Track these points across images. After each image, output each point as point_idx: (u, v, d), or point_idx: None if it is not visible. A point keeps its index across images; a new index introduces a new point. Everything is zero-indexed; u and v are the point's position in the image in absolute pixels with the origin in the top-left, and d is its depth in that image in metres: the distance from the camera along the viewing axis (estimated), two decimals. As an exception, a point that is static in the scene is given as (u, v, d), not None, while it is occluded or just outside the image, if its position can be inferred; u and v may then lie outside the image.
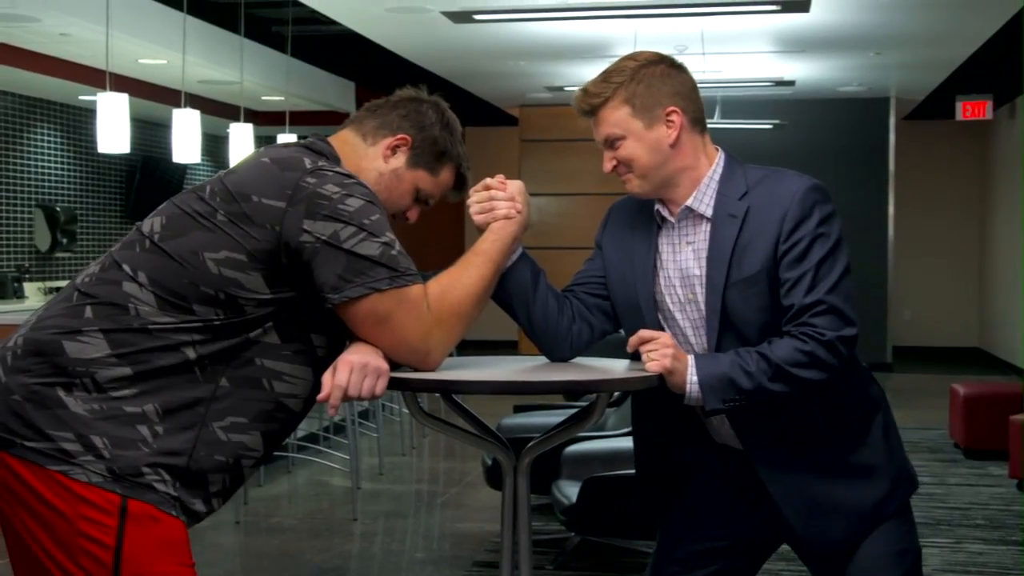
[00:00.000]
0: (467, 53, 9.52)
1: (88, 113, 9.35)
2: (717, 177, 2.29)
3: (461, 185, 2.31)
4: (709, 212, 2.27)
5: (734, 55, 9.54)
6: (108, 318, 1.95)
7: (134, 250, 2.01)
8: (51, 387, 1.91)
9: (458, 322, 2.10)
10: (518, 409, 5.81)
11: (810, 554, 2.40)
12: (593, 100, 2.26)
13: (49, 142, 9.50)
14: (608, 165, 2.30)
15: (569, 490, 4.43)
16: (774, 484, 2.30)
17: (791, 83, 9.88)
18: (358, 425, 6.69)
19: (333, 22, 8.30)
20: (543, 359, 2.40)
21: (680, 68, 2.30)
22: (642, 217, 2.38)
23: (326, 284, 1.97)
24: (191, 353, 1.95)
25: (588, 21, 7.88)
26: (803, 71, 10.39)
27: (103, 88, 6.16)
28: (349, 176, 2.04)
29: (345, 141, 2.21)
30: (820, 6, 7.54)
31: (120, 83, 7.21)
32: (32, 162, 9.31)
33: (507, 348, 12.26)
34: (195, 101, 8.79)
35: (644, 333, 2.20)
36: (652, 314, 2.33)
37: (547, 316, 2.34)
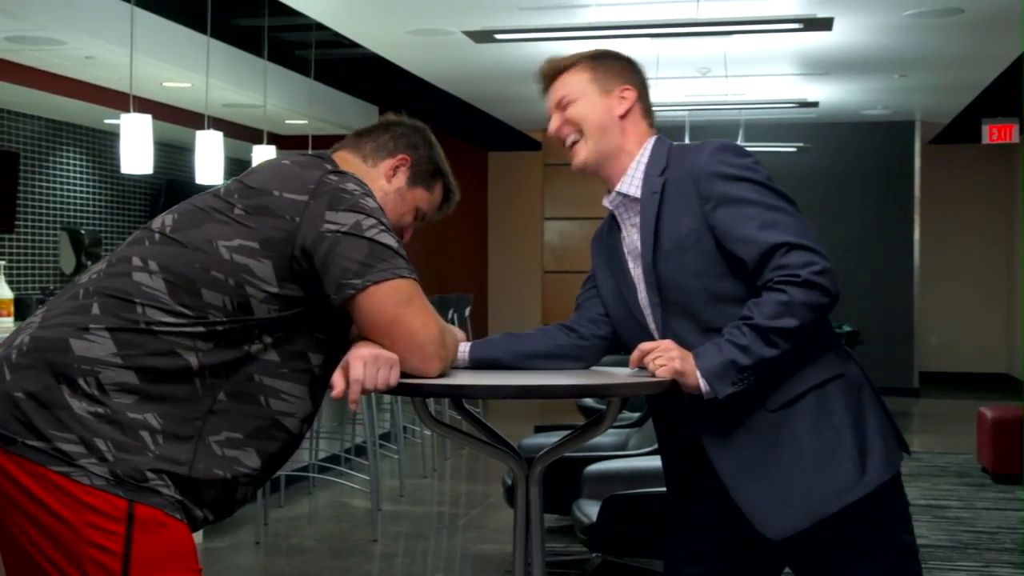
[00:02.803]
0: (490, 76, 9.54)
1: (113, 137, 9.41)
2: (644, 160, 2.34)
3: (448, 199, 2.40)
4: (638, 193, 2.32)
5: (757, 77, 9.52)
6: (115, 315, 1.93)
7: (143, 244, 2.02)
8: (55, 387, 1.89)
9: (447, 354, 2.14)
10: (539, 429, 5.78)
11: (779, 552, 2.30)
12: (558, 64, 2.37)
13: (74, 166, 9.57)
14: (555, 124, 2.36)
15: (590, 509, 4.39)
16: (723, 465, 2.23)
17: (815, 104, 9.84)
18: (379, 447, 6.66)
19: (356, 45, 8.33)
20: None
21: (639, 66, 2.42)
22: (609, 222, 2.45)
23: (349, 270, 1.98)
24: (194, 361, 1.94)
25: (610, 43, 7.87)
26: (827, 93, 10.35)
27: (128, 111, 6.19)
28: (362, 183, 2.10)
29: (346, 161, 2.25)
30: (843, 27, 7.51)
31: (144, 106, 7.25)
32: (57, 185, 9.37)
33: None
34: (219, 124, 8.83)
35: (643, 346, 2.20)
36: (644, 317, 2.34)
37: (566, 348, 2.42)
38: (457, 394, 2.11)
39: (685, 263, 2.24)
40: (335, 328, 2.08)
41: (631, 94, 2.35)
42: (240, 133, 10.03)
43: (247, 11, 7.95)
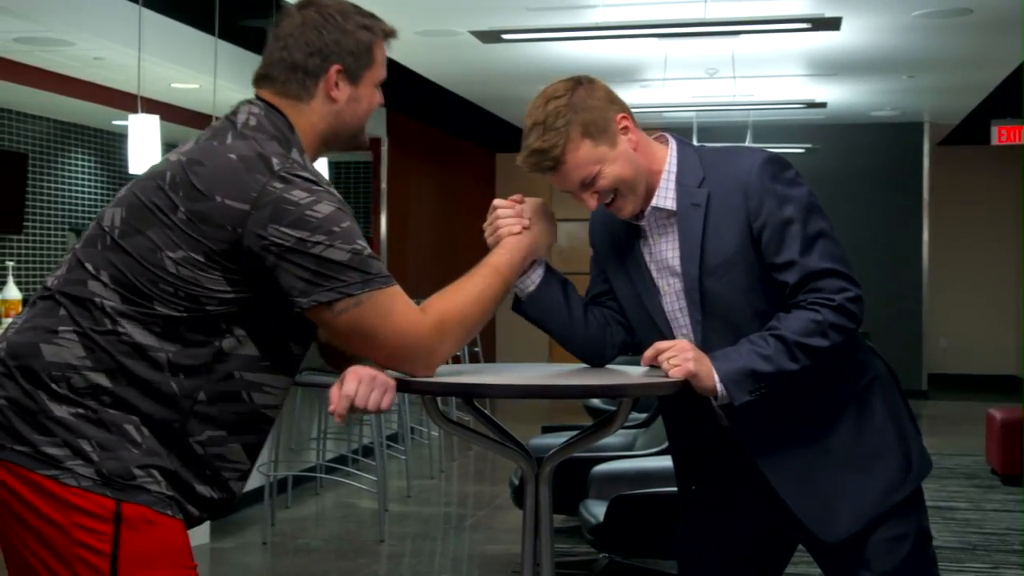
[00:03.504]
0: (497, 77, 9.54)
1: (121, 138, 9.43)
2: (673, 169, 2.26)
3: (391, 35, 2.16)
4: (674, 205, 2.24)
5: (765, 78, 9.50)
6: (80, 318, 1.89)
7: (96, 247, 1.94)
8: (33, 392, 1.86)
9: (459, 327, 2.05)
10: (546, 430, 5.77)
11: (821, 545, 2.32)
12: (553, 154, 2.17)
13: (82, 167, 9.58)
14: (593, 202, 2.23)
15: (597, 509, 4.38)
16: (776, 476, 2.26)
17: (823, 105, 9.83)
18: (386, 448, 6.66)
19: (364, 46, 8.33)
20: (569, 366, 2.38)
21: (592, 81, 2.24)
22: (620, 231, 2.36)
23: (294, 289, 1.88)
24: (163, 360, 1.89)
25: (618, 44, 7.88)
26: (835, 94, 10.34)
27: (135, 112, 6.20)
28: (318, 182, 1.93)
29: (287, 108, 2.03)
30: (851, 27, 7.49)
31: (152, 107, 7.25)
32: (65, 186, 9.39)
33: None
34: (227, 125, 8.83)
35: (659, 344, 2.18)
36: (667, 325, 2.31)
37: (586, 326, 2.36)
38: (465, 393, 2.10)
39: (733, 280, 2.21)
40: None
41: (626, 120, 2.22)
42: (248, 134, 10.02)
43: (255, 12, 7.95)
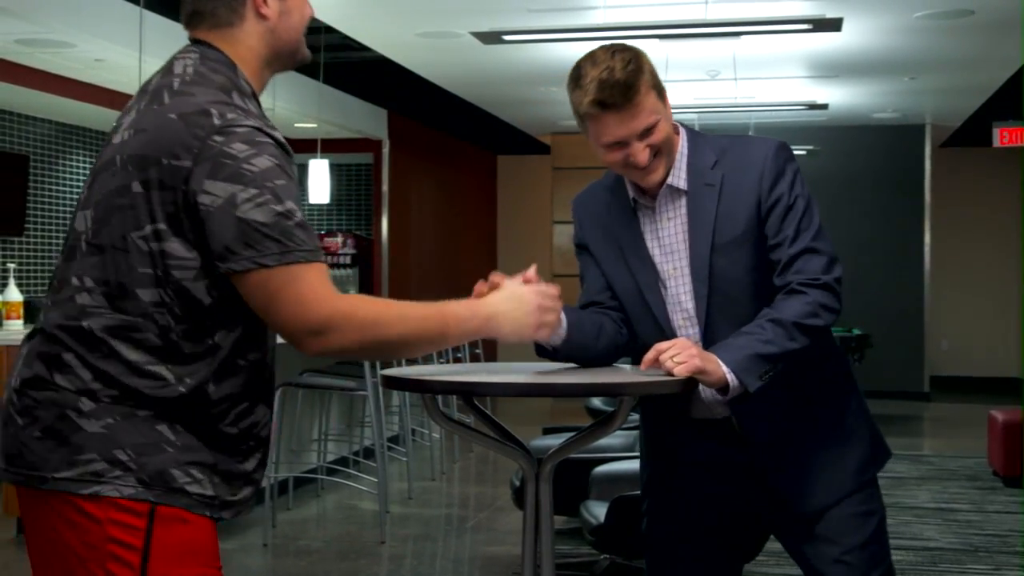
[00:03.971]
0: (499, 78, 9.54)
1: (123, 140, 9.42)
2: (686, 151, 2.34)
3: None
4: (685, 184, 2.32)
5: (767, 80, 9.50)
6: (78, 345, 1.88)
7: (76, 259, 1.92)
8: (62, 417, 1.86)
9: (367, 330, 1.89)
10: (547, 431, 5.77)
11: (788, 519, 2.42)
12: (635, 86, 2.20)
13: (84, 169, 9.58)
14: (645, 156, 2.24)
15: (597, 510, 4.38)
16: (763, 450, 2.36)
17: (824, 106, 9.83)
18: (387, 449, 6.65)
19: (365, 48, 8.34)
20: (569, 366, 2.37)
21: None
22: (613, 211, 2.39)
23: (215, 251, 1.83)
24: (161, 371, 1.87)
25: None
26: (836, 96, 10.33)
27: (136, 112, 6.19)
28: (263, 132, 1.87)
29: (222, 40, 1.99)
30: (852, 29, 7.49)
31: (153, 108, 7.25)
32: (67, 188, 9.39)
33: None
34: (228, 127, 8.83)
35: (659, 345, 2.18)
36: (666, 320, 2.34)
37: (601, 352, 2.39)
38: (464, 391, 2.09)
39: (740, 257, 2.28)
40: None
41: (664, 93, 2.31)
42: (249, 136, 10.03)
43: (256, 14, 7.95)
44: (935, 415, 11.17)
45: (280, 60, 2.04)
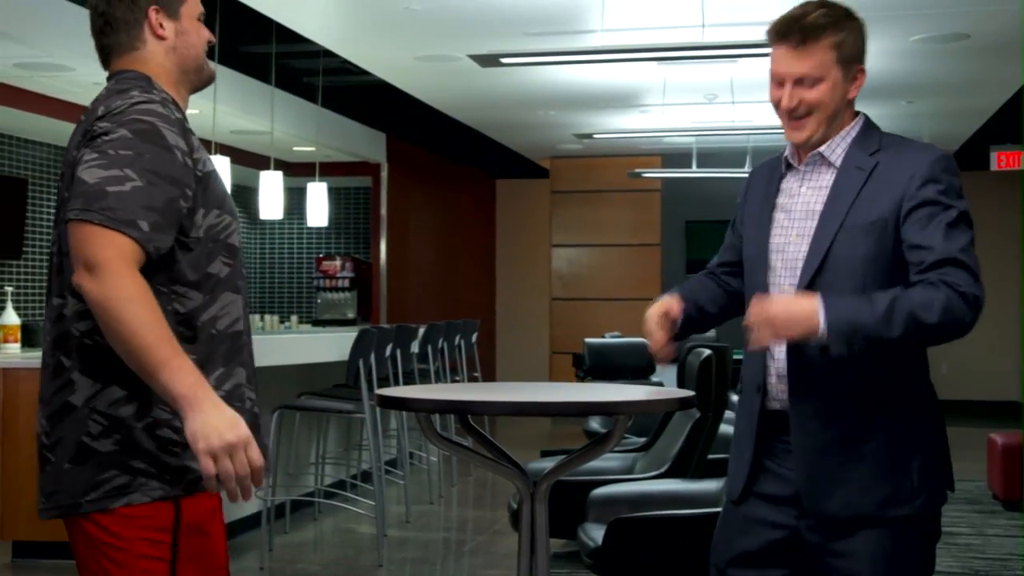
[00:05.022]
0: (497, 102, 9.57)
1: (122, 163, 9.44)
2: (853, 134, 2.35)
3: None
4: (838, 162, 2.33)
5: (764, 103, 9.51)
6: (75, 356, 2.00)
7: (62, 275, 2.05)
8: (83, 444, 1.97)
9: (115, 304, 1.86)
10: (545, 454, 5.75)
11: (808, 530, 2.32)
12: (817, 32, 2.24)
13: (83, 192, 9.59)
14: (790, 101, 2.29)
15: (595, 533, 4.35)
16: (799, 439, 2.29)
17: (822, 130, 9.84)
18: (385, 473, 6.63)
19: (364, 72, 8.37)
20: (567, 385, 2.37)
21: (861, 19, 2.34)
22: (772, 175, 2.45)
23: (67, 200, 1.97)
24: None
25: (618, 68, 7.90)
26: (834, 120, 10.35)
27: (134, 135, 6.20)
28: (137, 107, 1.98)
29: (134, 63, 2.12)
30: (850, 52, 7.51)
31: (152, 131, 7.26)
32: (66, 212, 9.40)
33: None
34: (226, 151, 8.85)
35: (750, 313, 2.20)
36: (763, 262, 2.38)
37: (721, 310, 2.56)
38: (459, 410, 2.09)
39: (861, 245, 2.26)
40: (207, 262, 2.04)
41: (863, 77, 2.32)
42: (248, 160, 10.06)
43: (255, 38, 7.99)
44: (935, 439, 11.14)
45: (187, 76, 2.18)
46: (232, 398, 2.03)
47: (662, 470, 4.72)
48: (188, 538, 2.00)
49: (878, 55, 7.76)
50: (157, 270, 1.96)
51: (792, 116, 2.30)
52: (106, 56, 2.17)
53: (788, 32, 2.26)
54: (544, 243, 13.85)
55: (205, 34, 2.19)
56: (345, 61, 8.01)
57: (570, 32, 7.00)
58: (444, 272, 12.87)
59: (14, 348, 6.01)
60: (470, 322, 8.35)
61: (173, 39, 2.14)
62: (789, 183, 2.40)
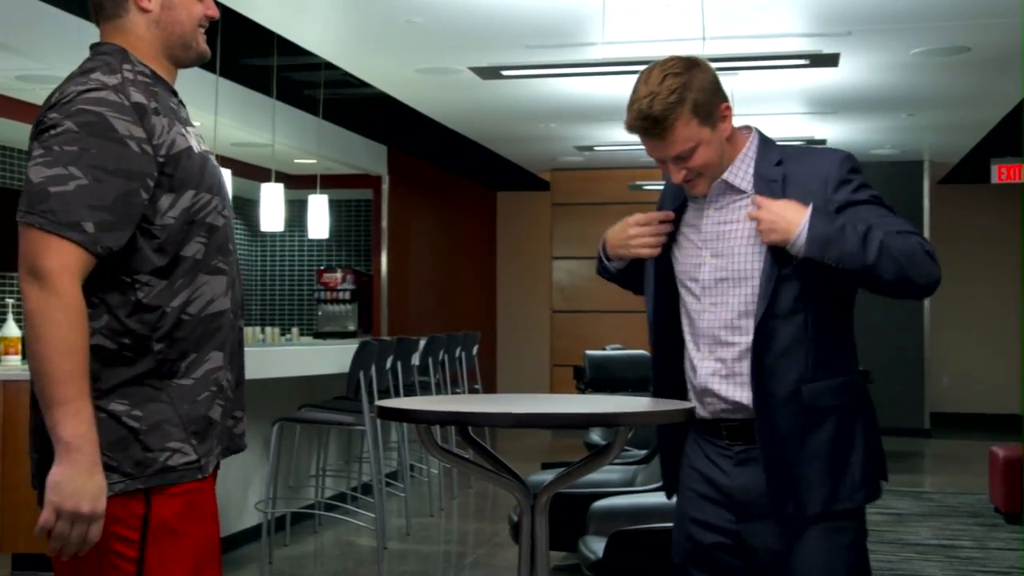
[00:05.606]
0: (498, 114, 9.58)
1: (123, 176, 9.44)
2: (752, 153, 2.39)
3: None
4: (747, 186, 2.37)
5: (765, 116, 9.53)
6: None
7: None
8: (43, 434, 1.92)
9: (55, 312, 1.83)
10: (546, 467, 5.74)
11: (750, 534, 2.38)
12: (665, 124, 2.29)
13: (84, 204, 9.60)
14: (680, 176, 2.35)
15: (596, 545, 4.35)
16: (765, 440, 2.32)
17: (822, 142, 9.87)
18: (385, 485, 6.62)
19: (365, 84, 8.38)
20: (568, 397, 2.37)
21: (705, 63, 2.37)
22: (680, 192, 2.49)
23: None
24: (111, 345, 1.93)
25: (619, 81, 7.90)
26: (835, 133, 10.37)
27: (136, 147, 6.20)
28: (85, 96, 1.95)
29: (115, 30, 2.10)
30: (850, 65, 7.52)
31: (153, 144, 7.27)
32: (67, 224, 9.40)
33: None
34: (227, 163, 8.86)
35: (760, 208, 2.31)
36: (679, 282, 2.44)
37: None
38: (459, 422, 2.08)
39: (788, 255, 2.30)
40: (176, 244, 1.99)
41: (728, 111, 2.36)
42: (249, 172, 10.06)
43: (256, 51, 8.00)
44: (936, 452, 11.13)
45: (172, 51, 2.12)
46: (204, 385, 1.98)
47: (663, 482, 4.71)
48: (156, 536, 1.92)
49: (878, 68, 7.78)
50: (117, 260, 1.91)
51: (686, 181, 2.37)
52: (94, 13, 2.14)
53: (644, 129, 2.31)
54: (545, 255, 13.86)
55: (198, 11, 2.13)
56: (346, 73, 8.02)
57: (571, 45, 7.01)
58: (445, 284, 12.86)
59: (15, 360, 6.00)
60: (471, 334, 8.34)
61: (158, 12, 2.09)
62: (698, 202, 2.44)
